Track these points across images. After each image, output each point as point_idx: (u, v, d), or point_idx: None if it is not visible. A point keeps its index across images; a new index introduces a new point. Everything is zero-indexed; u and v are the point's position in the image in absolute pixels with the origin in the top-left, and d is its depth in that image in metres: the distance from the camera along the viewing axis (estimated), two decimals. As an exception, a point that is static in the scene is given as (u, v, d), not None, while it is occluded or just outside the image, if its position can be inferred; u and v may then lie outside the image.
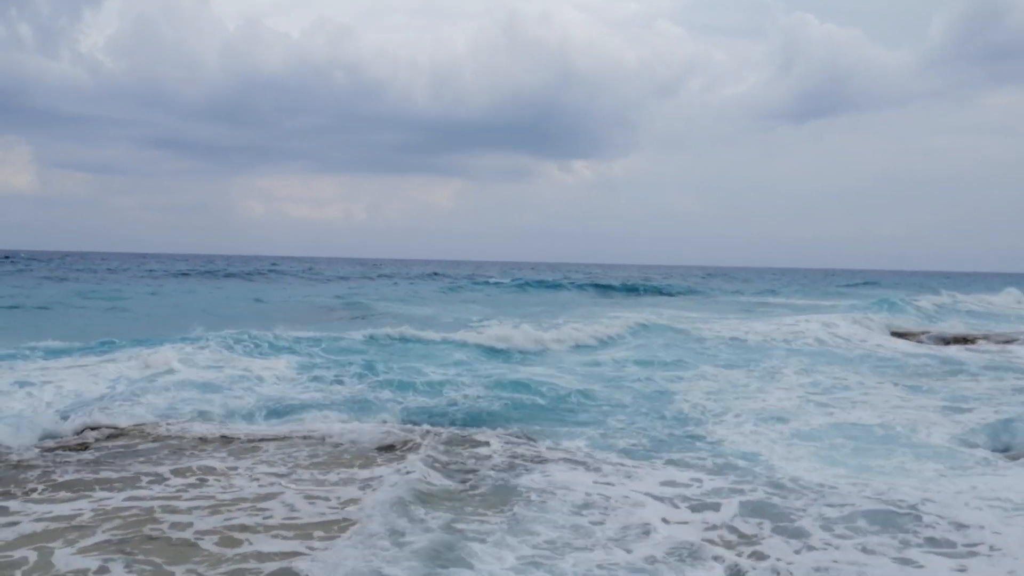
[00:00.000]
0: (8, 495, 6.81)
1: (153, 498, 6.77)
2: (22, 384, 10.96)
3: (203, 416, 9.85)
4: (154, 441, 8.78)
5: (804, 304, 39.86)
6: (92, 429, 9.11)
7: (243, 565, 5.41)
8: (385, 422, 9.95)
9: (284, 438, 9.10)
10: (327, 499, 6.85)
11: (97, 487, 7.07)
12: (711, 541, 5.97)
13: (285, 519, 6.32)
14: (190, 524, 6.16)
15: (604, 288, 51.91)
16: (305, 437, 9.11)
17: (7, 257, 79.84)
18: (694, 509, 6.77)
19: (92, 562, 5.38)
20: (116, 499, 6.71)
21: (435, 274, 71.51)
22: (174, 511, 6.46)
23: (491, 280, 52.00)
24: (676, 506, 6.83)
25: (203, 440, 8.87)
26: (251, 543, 5.80)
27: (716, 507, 6.80)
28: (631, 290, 51.87)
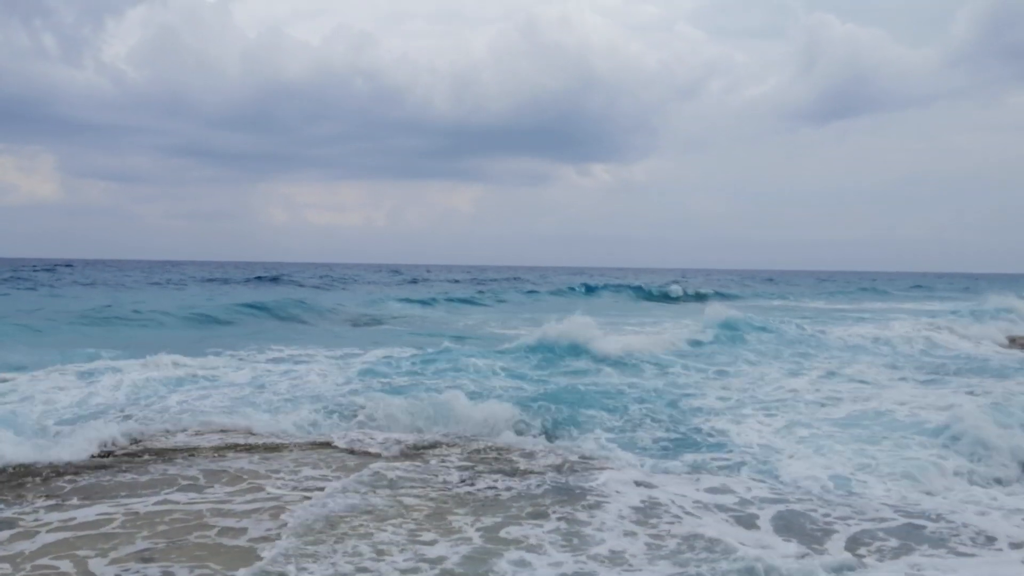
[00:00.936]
0: (28, 504, 6.68)
1: (194, 503, 6.72)
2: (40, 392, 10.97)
3: (231, 417, 9.74)
4: (184, 447, 8.74)
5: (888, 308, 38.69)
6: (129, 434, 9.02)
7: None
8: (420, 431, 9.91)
9: (323, 444, 9.06)
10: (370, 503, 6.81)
11: (124, 493, 6.96)
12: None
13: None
14: (243, 530, 6.09)
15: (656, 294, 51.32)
16: (328, 445, 9.07)
17: (67, 265, 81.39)
18: (737, 522, 6.57)
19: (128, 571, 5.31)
20: (147, 504, 6.62)
21: (474, 280, 71.34)
22: (225, 515, 6.39)
23: (527, 290, 51.56)
24: (727, 519, 6.66)
25: (236, 445, 8.81)
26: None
27: (753, 519, 6.62)
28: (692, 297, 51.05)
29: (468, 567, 5.42)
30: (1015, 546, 5.98)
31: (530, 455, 8.69)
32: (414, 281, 66.45)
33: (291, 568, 5.31)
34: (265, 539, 5.89)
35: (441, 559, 5.54)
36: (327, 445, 8.96)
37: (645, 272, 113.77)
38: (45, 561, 5.42)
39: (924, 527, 6.40)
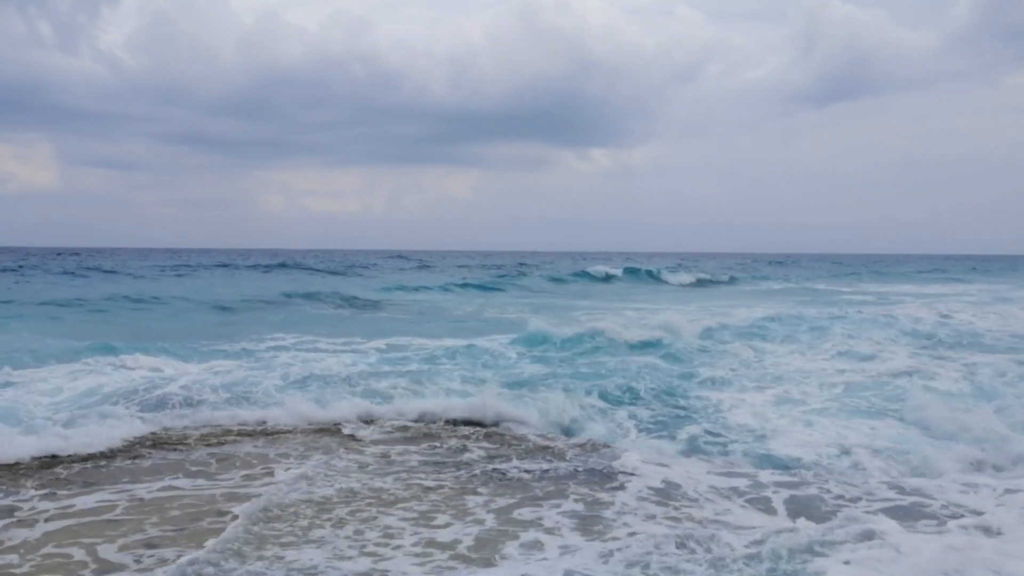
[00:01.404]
0: (25, 492, 6.51)
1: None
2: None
3: (244, 405, 9.52)
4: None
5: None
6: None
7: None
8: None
9: (335, 430, 8.91)
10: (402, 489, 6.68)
11: (126, 479, 6.80)
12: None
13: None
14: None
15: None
16: (340, 431, 8.93)
17: (74, 254, 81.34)
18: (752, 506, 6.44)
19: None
20: (152, 491, 6.47)
21: (482, 266, 70.67)
22: (241, 500, 6.22)
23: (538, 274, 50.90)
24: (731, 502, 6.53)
25: (244, 431, 8.70)
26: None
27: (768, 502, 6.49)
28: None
29: (477, 550, 5.28)
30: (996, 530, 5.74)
31: (549, 438, 8.58)
32: (424, 267, 65.97)
33: (291, 553, 5.18)
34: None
35: (455, 543, 5.40)
36: (338, 431, 8.81)
37: (644, 256, 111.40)
38: (49, 549, 5.26)
39: (922, 505, 6.24)
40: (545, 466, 7.31)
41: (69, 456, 7.54)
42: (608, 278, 49.50)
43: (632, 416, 9.55)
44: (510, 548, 5.30)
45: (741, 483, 6.85)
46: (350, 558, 5.13)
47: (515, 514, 5.99)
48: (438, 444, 8.19)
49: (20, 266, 50.39)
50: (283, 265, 58.49)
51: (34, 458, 7.44)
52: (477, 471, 7.16)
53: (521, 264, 70.51)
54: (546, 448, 8.10)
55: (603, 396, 10.24)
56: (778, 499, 6.42)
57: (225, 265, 59.28)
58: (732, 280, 50.58)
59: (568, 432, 8.96)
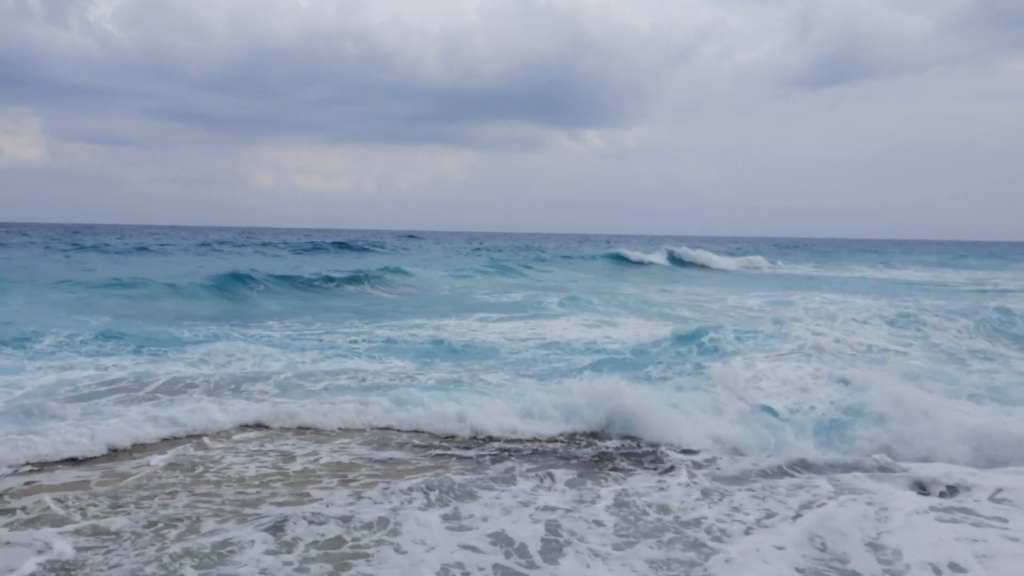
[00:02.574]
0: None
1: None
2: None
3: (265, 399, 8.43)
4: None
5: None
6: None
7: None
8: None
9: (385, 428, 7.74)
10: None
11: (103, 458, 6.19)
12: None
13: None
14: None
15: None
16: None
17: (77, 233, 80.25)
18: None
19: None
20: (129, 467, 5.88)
21: (486, 248, 67.83)
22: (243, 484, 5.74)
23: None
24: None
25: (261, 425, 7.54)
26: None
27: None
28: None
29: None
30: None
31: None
32: (437, 247, 64.10)
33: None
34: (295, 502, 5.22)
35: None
36: (387, 428, 7.57)
37: (640, 239, 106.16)
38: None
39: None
40: (591, 449, 6.78)
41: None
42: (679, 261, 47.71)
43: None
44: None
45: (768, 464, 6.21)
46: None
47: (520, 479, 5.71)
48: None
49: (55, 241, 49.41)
50: (344, 244, 57.17)
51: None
52: (519, 446, 6.77)
53: (531, 248, 67.59)
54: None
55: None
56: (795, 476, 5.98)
57: (264, 244, 58.25)
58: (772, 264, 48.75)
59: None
